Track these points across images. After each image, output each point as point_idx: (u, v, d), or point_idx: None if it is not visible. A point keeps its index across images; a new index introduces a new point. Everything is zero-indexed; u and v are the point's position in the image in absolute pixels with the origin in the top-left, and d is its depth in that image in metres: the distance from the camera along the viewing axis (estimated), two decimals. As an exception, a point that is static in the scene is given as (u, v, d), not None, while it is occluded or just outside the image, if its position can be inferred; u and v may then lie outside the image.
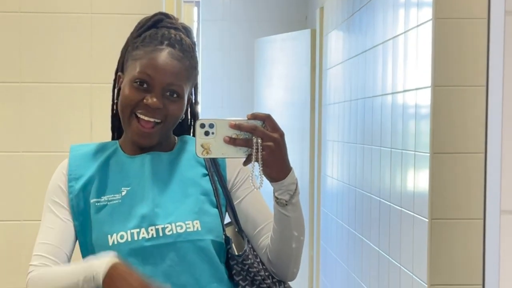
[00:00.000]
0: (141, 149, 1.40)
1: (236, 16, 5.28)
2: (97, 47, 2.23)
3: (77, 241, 1.38)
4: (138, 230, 1.32)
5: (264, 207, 1.42)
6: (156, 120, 1.35)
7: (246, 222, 1.41)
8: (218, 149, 1.23)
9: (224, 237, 1.38)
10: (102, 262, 1.24)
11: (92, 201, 1.36)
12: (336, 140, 3.64)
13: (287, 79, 4.68)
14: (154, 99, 1.33)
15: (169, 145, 1.44)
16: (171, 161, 1.41)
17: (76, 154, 1.42)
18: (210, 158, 1.39)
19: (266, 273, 1.38)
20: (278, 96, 4.78)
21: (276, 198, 1.30)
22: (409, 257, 2.28)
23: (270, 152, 1.22)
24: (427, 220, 2.08)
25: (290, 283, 1.43)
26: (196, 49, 1.44)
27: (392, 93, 2.50)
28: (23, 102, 2.24)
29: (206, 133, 1.22)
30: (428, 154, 2.07)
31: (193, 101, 1.47)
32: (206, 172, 1.41)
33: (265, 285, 1.37)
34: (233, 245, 1.38)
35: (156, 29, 1.40)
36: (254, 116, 1.23)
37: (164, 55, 1.34)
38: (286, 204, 1.30)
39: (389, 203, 2.52)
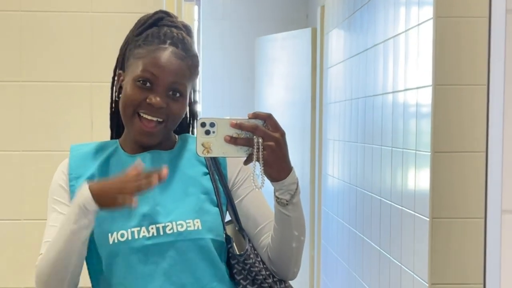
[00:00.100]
0: (142, 148, 1.40)
1: (237, 14, 5.27)
2: (97, 45, 2.23)
3: None
4: (138, 228, 1.32)
5: (265, 206, 1.42)
6: (159, 119, 1.35)
7: (247, 221, 1.41)
8: (219, 148, 1.22)
9: (224, 236, 1.37)
10: (80, 193, 1.25)
11: None
12: (337, 139, 3.64)
13: (288, 78, 4.68)
14: (158, 98, 1.32)
15: (169, 143, 1.44)
16: (172, 160, 1.41)
17: (77, 154, 1.42)
18: (210, 157, 1.39)
19: (267, 273, 1.38)
20: (279, 95, 4.78)
21: (276, 198, 1.30)
22: (410, 256, 2.28)
23: (271, 151, 1.22)
24: (428, 219, 2.08)
25: (291, 282, 1.43)
26: (196, 48, 1.44)
27: (393, 92, 2.50)
28: (23, 101, 2.24)
29: (207, 132, 1.22)
30: (429, 153, 2.07)
31: (192, 100, 1.47)
32: (207, 171, 1.41)
33: (266, 285, 1.37)
34: (234, 244, 1.38)
35: (157, 27, 1.40)
36: (255, 115, 1.23)
37: (168, 54, 1.34)
38: (287, 204, 1.29)
39: (390, 202, 2.52)
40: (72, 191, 1.37)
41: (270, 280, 1.37)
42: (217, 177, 1.41)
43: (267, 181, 1.26)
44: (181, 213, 1.34)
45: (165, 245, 1.32)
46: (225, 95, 5.29)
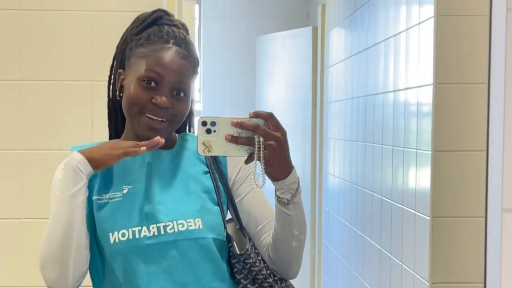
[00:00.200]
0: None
1: (238, 13, 5.27)
2: (97, 44, 2.23)
3: None
4: (139, 228, 1.32)
5: (266, 204, 1.42)
6: (163, 119, 1.35)
7: (247, 220, 1.41)
8: (220, 147, 1.22)
9: (225, 235, 1.37)
10: (72, 158, 1.28)
11: (93, 198, 1.36)
12: (337, 138, 3.63)
13: (288, 76, 4.67)
14: (164, 98, 1.32)
15: (170, 142, 1.44)
16: (172, 159, 1.41)
17: None
18: (211, 156, 1.39)
19: (268, 272, 1.38)
20: (280, 93, 4.78)
21: (277, 197, 1.30)
22: (410, 255, 2.27)
23: (272, 151, 1.22)
24: (428, 218, 2.08)
25: (291, 281, 1.43)
26: (197, 46, 1.44)
27: (394, 91, 2.50)
28: (23, 100, 2.24)
29: (208, 131, 1.22)
30: (430, 152, 2.07)
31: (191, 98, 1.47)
32: (207, 170, 1.41)
33: (266, 284, 1.37)
34: (234, 243, 1.38)
35: (157, 26, 1.40)
36: (257, 115, 1.23)
37: (172, 53, 1.34)
38: (288, 203, 1.29)
39: (390, 201, 2.52)
40: None
41: (270, 279, 1.37)
42: (217, 175, 1.41)
43: (268, 180, 1.25)
44: (182, 212, 1.34)
45: (166, 245, 1.32)
46: (226, 93, 5.29)
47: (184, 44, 1.37)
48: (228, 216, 1.42)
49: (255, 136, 1.21)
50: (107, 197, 1.36)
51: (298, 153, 4.39)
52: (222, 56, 5.26)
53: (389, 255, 2.53)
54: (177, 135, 1.47)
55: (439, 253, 2.06)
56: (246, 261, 1.36)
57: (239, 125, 1.21)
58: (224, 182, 1.41)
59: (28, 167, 2.24)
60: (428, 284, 2.09)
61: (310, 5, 5.04)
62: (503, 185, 1.09)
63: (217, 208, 1.38)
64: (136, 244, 1.31)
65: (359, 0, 3.07)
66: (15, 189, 2.25)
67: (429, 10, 2.09)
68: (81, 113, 2.23)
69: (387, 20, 2.60)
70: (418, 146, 2.20)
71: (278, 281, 1.39)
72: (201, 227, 1.33)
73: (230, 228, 1.41)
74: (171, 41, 1.36)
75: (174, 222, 1.33)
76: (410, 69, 2.31)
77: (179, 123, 1.40)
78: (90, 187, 1.36)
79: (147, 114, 1.33)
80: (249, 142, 1.22)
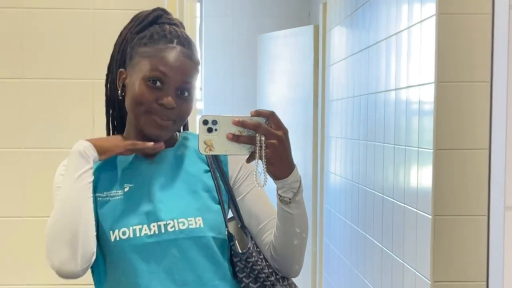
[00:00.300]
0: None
1: (239, 12, 5.27)
2: (98, 43, 2.23)
3: None
4: (140, 226, 1.32)
5: (267, 203, 1.42)
6: (169, 119, 1.35)
7: (249, 218, 1.41)
8: (221, 146, 1.22)
9: (227, 233, 1.37)
10: (78, 144, 1.31)
11: (96, 195, 1.35)
12: (339, 136, 3.63)
13: (290, 75, 4.67)
14: (170, 98, 1.32)
15: (171, 141, 1.44)
16: (174, 158, 1.41)
17: None
18: (212, 155, 1.39)
19: (270, 270, 1.38)
20: (281, 92, 4.77)
21: (279, 196, 1.29)
22: (412, 253, 2.27)
23: (274, 149, 1.22)
24: (430, 216, 2.07)
25: (293, 279, 1.43)
26: (199, 45, 1.44)
27: (396, 89, 2.49)
28: (24, 98, 2.24)
29: (209, 130, 1.21)
30: (432, 151, 2.06)
31: None
32: (208, 169, 1.41)
33: (269, 282, 1.37)
34: (236, 242, 1.38)
35: (157, 25, 1.39)
36: (258, 113, 1.22)
37: (177, 53, 1.34)
38: (290, 202, 1.29)
39: (392, 200, 2.51)
40: None
41: (273, 278, 1.37)
42: (218, 174, 1.40)
43: (269, 179, 1.25)
44: (183, 211, 1.34)
45: (166, 243, 1.32)
46: (227, 92, 5.29)
47: (187, 43, 1.37)
48: (230, 215, 1.42)
49: (257, 134, 1.21)
50: (108, 195, 1.36)
51: (299, 152, 4.39)
52: (223, 55, 5.26)
53: (391, 253, 2.53)
54: (178, 133, 1.47)
55: (441, 251, 2.06)
56: (248, 259, 1.36)
57: (240, 123, 1.21)
58: (225, 181, 1.41)
59: (29, 166, 2.24)
60: (429, 282, 2.08)
61: (312, 4, 5.04)
62: (505, 184, 1.09)
63: (218, 207, 1.37)
64: (137, 242, 1.31)
65: (360, -2, 3.07)
66: (16, 188, 2.24)
67: (430, 8, 2.09)
68: (82, 112, 2.22)
69: (389, 18, 2.59)
70: (419, 144, 2.19)
71: (280, 280, 1.39)
72: (201, 225, 1.33)
73: (232, 227, 1.40)
74: (175, 40, 1.35)
75: (175, 221, 1.32)
76: (412, 67, 2.30)
77: (183, 122, 1.40)
78: (92, 184, 1.35)
79: (154, 116, 1.33)
80: (250, 140, 1.22)
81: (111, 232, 1.32)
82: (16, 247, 2.26)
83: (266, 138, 1.21)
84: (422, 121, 2.18)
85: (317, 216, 4.28)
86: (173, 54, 1.34)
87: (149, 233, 1.32)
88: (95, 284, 1.39)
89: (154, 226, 1.32)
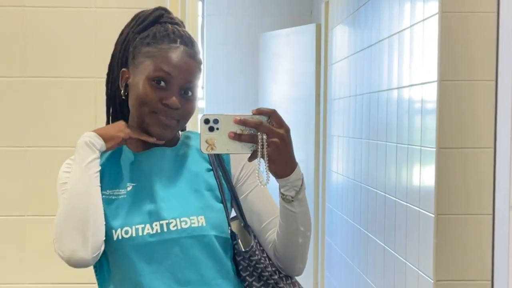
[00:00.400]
0: (147, 146, 1.40)
1: (241, 10, 5.26)
2: (101, 41, 2.23)
3: None
4: (143, 225, 1.32)
5: (270, 201, 1.42)
6: (173, 119, 1.35)
7: (252, 217, 1.40)
8: (223, 145, 1.21)
9: (230, 232, 1.37)
10: (84, 135, 1.32)
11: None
12: (341, 135, 3.63)
13: (292, 73, 4.66)
14: (174, 98, 1.32)
15: (173, 140, 1.43)
16: (176, 157, 1.41)
17: None
18: (214, 154, 1.38)
19: (273, 269, 1.37)
20: (283, 91, 4.77)
21: (282, 194, 1.29)
22: (414, 252, 2.27)
23: (276, 148, 1.21)
24: (433, 215, 2.07)
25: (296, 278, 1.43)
26: (200, 44, 1.44)
27: (398, 88, 2.49)
28: (27, 97, 2.23)
29: (211, 129, 1.21)
30: (434, 149, 2.06)
31: None
32: (210, 167, 1.41)
33: (272, 281, 1.36)
34: (239, 240, 1.37)
35: (159, 24, 1.39)
36: (259, 112, 1.22)
37: (180, 53, 1.34)
38: (292, 200, 1.29)
39: (394, 199, 2.51)
40: None
41: (276, 276, 1.37)
42: (220, 173, 1.40)
43: (272, 177, 1.25)
44: (185, 209, 1.34)
45: (169, 242, 1.31)
46: (229, 91, 5.28)
47: (190, 43, 1.37)
48: (233, 213, 1.42)
49: (258, 133, 1.21)
50: (112, 193, 1.36)
51: (301, 151, 4.39)
52: (225, 54, 5.26)
53: (393, 252, 2.53)
54: (180, 133, 1.47)
55: (444, 250, 2.06)
56: (251, 258, 1.35)
57: (242, 122, 1.21)
58: (228, 180, 1.40)
59: (31, 164, 2.24)
60: (432, 281, 2.08)
61: (314, 2, 5.03)
62: (510, 183, 1.08)
63: (221, 205, 1.37)
64: (139, 241, 1.31)
65: (363, -4, 3.06)
66: (18, 186, 2.24)
67: (433, 6, 2.08)
68: (84, 110, 2.22)
69: (391, 17, 2.59)
70: (422, 143, 2.19)
71: (284, 278, 1.38)
72: (204, 224, 1.33)
73: (235, 226, 1.40)
74: (178, 40, 1.35)
75: (177, 220, 1.32)
76: (414, 66, 2.30)
77: (186, 122, 1.40)
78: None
79: (159, 117, 1.33)
80: (252, 139, 1.21)
81: (113, 231, 1.32)
82: (18, 246, 2.26)
83: (268, 137, 1.21)
84: (424, 119, 2.17)
85: (319, 215, 4.27)
86: (176, 54, 1.33)
87: (151, 232, 1.31)
88: (98, 283, 1.39)
89: (156, 225, 1.32)
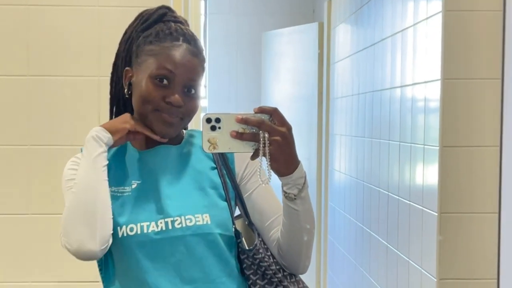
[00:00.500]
0: (151, 144, 1.40)
1: (243, 9, 5.26)
2: (104, 40, 2.23)
3: None
4: (148, 223, 1.32)
5: (274, 200, 1.42)
6: (177, 117, 1.35)
7: (256, 215, 1.41)
8: (225, 144, 1.21)
9: (234, 230, 1.37)
10: (91, 131, 1.32)
11: None
12: (344, 134, 3.62)
13: (294, 72, 4.66)
14: (177, 96, 1.32)
15: (177, 139, 1.44)
16: (180, 155, 1.41)
17: None
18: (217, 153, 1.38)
19: (277, 267, 1.38)
20: (285, 89, 4.77)
21: (284, 193, 1.29)
22: (418, 251, 2.27)
23: (278, 146, 1.21)
24: (436, 214, 2.07)
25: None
26: (203, 42, 1.44)
27: (401, 87, 2.49)
28: (30, 95, 2.24)
29: (213, 128, 1.21)
30: (437, 148, 2.06)
31: None
32: (214, 166, 1.41)
33: (276, 279, 1.36)
34: (243, 239, 1.38)
35: (163, 23, 1.39)
36: (261, 110, 1.22)
37: (183, 51, 1.34)
38: (295, 198, 1.29)
39: (397, 197, 2.51)
40: None
41: (280, 275, 1.37)
42: (224, 171, 1.41)
43: (274, 176, 1.25)
44: (190, 207, 1.34)
45: (173, 240, 1.32)
46: (231, 90, 5.28)
47: (193, 41, 1.37)
48: (237, 212, 1.42)
49: (260, 132, 1.21)
50: (116, 190, 1.36)
51: (303, 150, 4.38)
52: (227, 52, 5.26)
53: (396, 251, 2.53)
54: (184, 131, 1.47)
55: (447, 249, 2.05)
56: (255, 256, 1.36)
57: (243, 121, 1.21)
58: (232, 178, 1.41)
59: (35, 163, 2.24)
60: (435, 280, 2.08)
61: (316, 1, 5.03)
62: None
63: (225, 203, 1.37)
64: (144, 239, 1.31)
65: (365, -5, 3.06)
66: (22, 185, 2.25)
67: (437, 5, 2.08)
68: (88, 109, 2.23)
69: (394, 15, 2.58)
70: (425, 142, 2.19)
71: (288, 276, 1.39)
72: (209, 222, 1.33)
73: (239, 224, 1.40)
74: (181, 38, 1.35)
75: (182, 217, 1.32)
76: (418, 64, 2.30)
77: (190, 120, 1.40)
78: None
79: (162, 115, 1.33)
80: (254, 138, 1.21)
81: (118, 228, 1.32)
82: (22, 244, 2.27)
83: (270, 135, 1.21)
84: (428, 118, 2.17)
85: (322, 214, 4.27)
86: (179, 52, 1.34)
87: (156, 230, 1.31)
88: (103, 281, 1.39)
89: (161, 222, 1.32)
